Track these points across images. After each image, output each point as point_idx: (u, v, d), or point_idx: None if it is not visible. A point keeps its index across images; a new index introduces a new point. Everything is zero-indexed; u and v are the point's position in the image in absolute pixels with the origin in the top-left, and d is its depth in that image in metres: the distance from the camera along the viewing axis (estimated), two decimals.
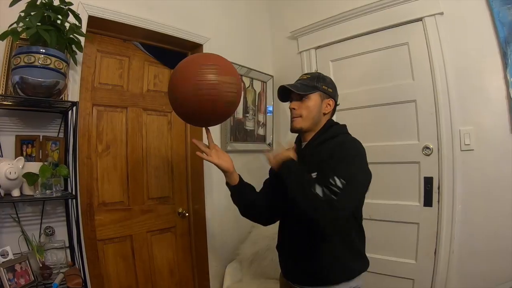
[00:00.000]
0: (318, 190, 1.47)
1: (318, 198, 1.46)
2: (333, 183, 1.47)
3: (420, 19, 2.68)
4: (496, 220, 2.36)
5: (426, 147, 2.66)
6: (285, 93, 1.83)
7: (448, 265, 2.53)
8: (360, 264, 1.76)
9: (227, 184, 1.96)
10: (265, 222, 2.07)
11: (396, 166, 2.83)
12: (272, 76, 3.62)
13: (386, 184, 2.87)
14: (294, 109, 1.79)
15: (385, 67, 2.90)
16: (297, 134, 1.90)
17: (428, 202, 2.65)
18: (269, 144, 3.59)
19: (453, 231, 2.52)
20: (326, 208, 1.45)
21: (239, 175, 1.96)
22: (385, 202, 2.87)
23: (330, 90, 1.79)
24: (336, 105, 1.84)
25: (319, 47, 3.35)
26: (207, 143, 1.91)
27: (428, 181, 2.65)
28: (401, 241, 2.78)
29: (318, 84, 1.77)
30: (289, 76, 3.50)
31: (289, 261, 1.83)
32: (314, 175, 1.65)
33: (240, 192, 1.94)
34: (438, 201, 2.59)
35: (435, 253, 2.60)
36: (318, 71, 1.95)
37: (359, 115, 3.05)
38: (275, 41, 3.76)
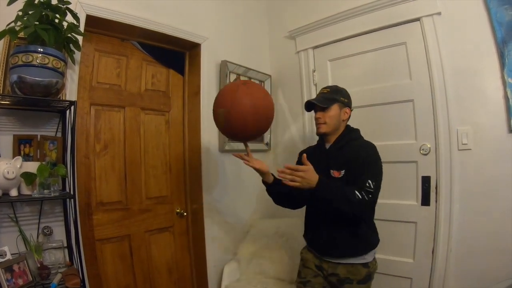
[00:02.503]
0: (358, 195, 1.87)
1: (362, 203, 1.87)
2: (368, 185, 1.90)
3: (418, 19, 2.68)
4: (494, 219, 2.37)
5: (424, 147, 2.66)
6: (310, 104, 2.20)
7: (446, 264, 2.54)
8: (376, 237, 2.19)
9: (264, 182, 2.33)
10: (295, 207, 2.42)
11: (393, 166, 2.82)
12: (270, 76, 3.62)
13: (384, 183, 2.82)
14: (319, 118, 2.15)
15: (383, 66, 2.90)
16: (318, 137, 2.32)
17: (425, 201, 2.65)
18: (266, 144, 3.59)
19: (450, 230, 2.52)
20: (369, 207, 1.98)
21: (272, 174, 2.30)
22: (383, 202, 2.83)
23: (346, 101, 2.18)
24: (350, 111, 2.22)
25: (317, 46, 3.35)
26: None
27: (426, 180, 2.66)
28: (399, 240, 2.78)
29: (337, 96, 2.15)
30: (287, 76, 3.53)
31: (321, 238, 2.16)
32: (342, 172, 2.07)
33: (275, 189, 2.29)
34: (436, 200, 2.60)
35: (432, 252, 2.60)
36: (335, 85, 2.31)
37: (357, 114, 2.99)
38: (273, 40, 3.76)
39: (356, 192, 1.88)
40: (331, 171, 2.11)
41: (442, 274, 2.54)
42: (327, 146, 2.22)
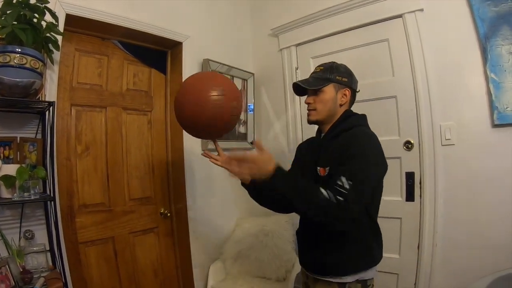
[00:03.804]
0: (324, 194, 1.43)
1: (328, 205, 1.42)
2: (340, 183, 1.45)
3: (400, 16, 2.71)
4: (478, 213, 2.41)
5: (407, 143, 2.68)
6: (300, 88, 1.83)
7: (431, 258, 2.57)
8: (369, 259, 1.78)
9: (242, 184, 1.86)
10: (285, 211, 2.01)
11: None
12: (252, 74, 3.61)
13: None
14: (309, 103, 1.81)
15: (366, 63, 2.91)
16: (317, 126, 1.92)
17: (410, 197, 2.68)
18: (251, 143, 3.58)
19: (435, 225, 2.55)
20: (335, 211, 1.42)
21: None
22: None
23: (345, 80, 1.79)
24: (354, 93, 1.86)
25: (299, 44, 3.36)
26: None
27: (410, 176, 2.68)
28: (384, 236, 2.76)
29: (331, 75, 1.77)
30: (269, 74, 3.53)
31: (303, 250, 1.88)
32: (327, 169, 1.68)
33: (255, 190, 1.86)
34: (420, 196, 2.63)
35: (418, 247, 2.63)
36: (332, 61, 1.87)
37: None
38: (255, 38, 3.75)
39: (321, 190, 1.45)
40: (318, 168, 1.74)
41: (428, 269, 2.58)
42: (322, 137, 1.86)
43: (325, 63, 1.87)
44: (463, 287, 2.20)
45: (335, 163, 1.63)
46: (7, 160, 1.94)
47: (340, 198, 1.41)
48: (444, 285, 2.53)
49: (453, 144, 2.50)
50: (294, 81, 3.28)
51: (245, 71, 3.52)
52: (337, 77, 1.78)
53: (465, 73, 2.47)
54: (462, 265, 2.45)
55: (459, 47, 2.48)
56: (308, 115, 1.83)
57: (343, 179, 1.46)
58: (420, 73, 2.61)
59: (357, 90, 1.89)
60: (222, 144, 3.12)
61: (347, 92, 1.80)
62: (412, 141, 2.66)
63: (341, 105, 1.80)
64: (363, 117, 1.86)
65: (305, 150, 1.97)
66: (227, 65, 3.29)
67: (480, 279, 1.90)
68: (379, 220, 2.81)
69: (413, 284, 2.65)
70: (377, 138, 1.70)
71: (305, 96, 1.87)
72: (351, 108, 1.89)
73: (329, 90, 1.77)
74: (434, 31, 2.58)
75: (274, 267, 2.85)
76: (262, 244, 2.99)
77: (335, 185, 1.45)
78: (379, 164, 1.65)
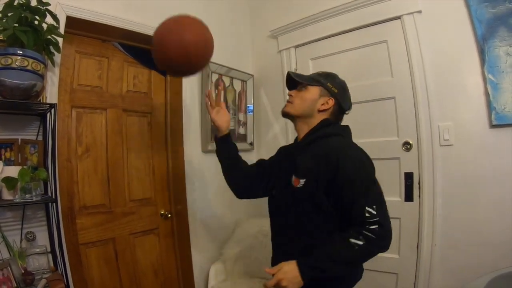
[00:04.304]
0: (357, 242, 1.39)
1: (367, 248, 1.40)
2: (368, 215, 1.41)
3: (398, 17, 2.72)
4: (477, 213, 2.42)
5: (406, 143, 2.70)
6: (291, 82, 1.81)
7: (430, 258, 2.58)
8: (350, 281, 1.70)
9: (215, 137, 2.02)
10: (241, 194, 2.08)
11: (376, 162, 2.80)
12: (252, 75, 3.62)
13: None
14: (290, 95, 1.79)
15: (365, 64, 2.94)
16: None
17: (409, 197, 2.70)
18: (250, 144, 3.59)
19: (434, 225, 2.57)
20: (377, 249, 1.44)
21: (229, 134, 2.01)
22: None
23: (335, 90, 1.74)
24: (341, 108, 1.78)
25: (298, 45, 3.37)
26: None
27: (409, 177, 2.70)
28: None
29: (324, 80, 1.75)
30: (269, 75, 3.53)
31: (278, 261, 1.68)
32: (302, 182, 1.62)
33: (225, 145, 2.00)
34: (419, 196, 2.64)
35: (417, 247, 2.64)
36: (334, 72, 1.84)
37: None
38: (255, 40, 3.76)
39: (352, 240, 1.40)
40: (293, 177, 1.68)
41: (428, 269, 2.59)
42: (298, 143, 1.81)
43: (327, 71, 1.85)
44: (462, 286, 2.21)
45: (311, 176, 1.60)
46: (8, 162, 1.94)
47: (376, 228, 1.39)
48: (443, 284, 2.54)
49: (452, 145, 2.52)
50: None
51: (244, 72, 3.53)
52: (328, 84, 1.74)
53: (463, 74, 2.49)
54: (461, 264, 2.46)
55: (457, 48, 2.50)
56: (284, 106, 1.80)
57: (367, 208, 1.42)
58: (419, 74, 2.62)
59: (347, 110, 1.83)
60: None
61: (331, 101, 1.73)
62: (410, 142, 2.68)
63: (319, 111, 1.73)
64: (344, 127, 1.81)
65: (284, 155, 1.92)
66: (226, 67, 3.30)
67: (479, 277, 1.91)
68: None
69: (413, 284, 2.66)
70: (362, 151, 1.66)
71: None
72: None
73: (313, 91, 1.73)
74: (432, 32, 2.59)
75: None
76: (262, 244, 2.99)
77: (365, 219, 1.41)
78: (377, 182, 1.59)
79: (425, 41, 2.61)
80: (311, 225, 1.62)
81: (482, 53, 2.37)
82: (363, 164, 1.57)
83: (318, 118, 1.73)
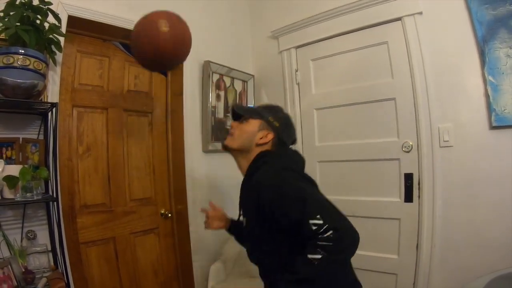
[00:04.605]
0: (315, 257, 1.24)
1: (327, 262, 1.25)
2: (314, 226, 1.25)
3: (399, 19, 2.72)
4: (476, 214, 2.42)
5: (406, 144, 2.70)
6: (237, 115, 1.74)
7: (430, 259, 2.58)
8: None
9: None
10: None
11: (377, 163, 2.87)
12: (252, 76, 3.62)
13: (368, 181, 2.92)
14: (231, 127, 1.72)
15: (365, 66, 2.94)
16: None
17: (408, 198, 2.70)
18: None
19: (434, 226, 2.57)
20: (340, 253, 1.28)
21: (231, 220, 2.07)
22: (367, 199, 2.92)
23: (276, 124, 1.65)
24: (282, 143, 1.67)
25: (299, 46, 3.37)
26: None
27: (409, 177, 2.70)
28: (383, 237, 2.82)
29: (265, 113, 1.68)
30: (270, 76, 3.54)
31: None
32: (244, 220, 1.62)
33: (234, 233, 2.03)
34: (419, 197, 2.64)
35: (417, 247, 2.64)
36: (280, 106, 1.75)
37: (340, 113, 3.09)
38: (256, 40, 3.76)
39: (310, 256, 1.25)
40: (241, 215, 1.69)
41: (427, 269, 2.59)
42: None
43: (273, 105, 1.79)
44: (462, 287, 2.21)
45: (249, 214, 1.58)
46: (9, 160, 1.95)
47: (330, 235, 1.24)
48: (442, 285, 2.55)
49: (451, 146, 2.52)
50: (294, 83, 3.32)
51: (245, 73, 3.54)
52: (269, 118, 1.66)
53: (463, 76, 2.49)
54: (460, 265, 2.46)
55: (457, 49, 2.50)
56: (224, 138, 1.73)
57: (312, 221, 1.26)
58: (419, 75, 2.62)
59: (289, 144, 1.73)
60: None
61: (270, 135, 1.63)
62: (411, 143, 2.68)
63: (257, 145, 1.63)
64: (281, 155, 1.64)
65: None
66: (228, 67, 3.31)
67: (478, 278, 1.91)
68: (377, 221, 2.85)
69: (412, 284, 2.66)
70: (284, 167, 1.51)
71: None
72: None
73: (253, 123, 1.65)
74: (433, 33, 2.59)
75: None
76: None
77: (315, 232, 1.25)
78: (307, 189, 1.41)
79: (426, 42, 2.61)
80: (273, 249, 1.51)
81: (482, 54, 2.37)
82: (283, 181, 1.42)
83: (254, 153, 1.64)
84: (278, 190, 1.40)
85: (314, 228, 1.25)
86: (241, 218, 1.72)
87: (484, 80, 2.37)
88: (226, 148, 1.72)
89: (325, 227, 1.24)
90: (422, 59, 2.61)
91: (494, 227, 2.34)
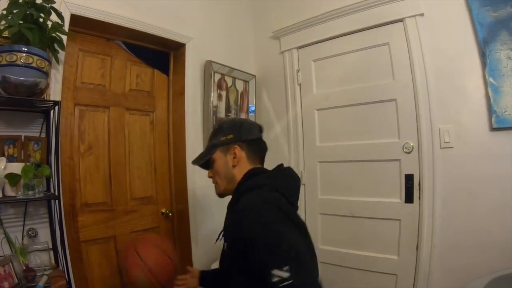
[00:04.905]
0: None
1: None
2: (277, 278, 1.08)
3: (401, 20, 2.73)
4: (476, 215, 2.43)
5: (407, 145, 2.70)
6: (206, 164, 1.70)
7: (430, 259, 2.58)
8: None
9: None
10: None
11: (377, 164, 2.88)
12: (254, 76, 3.63)
13: (368, 181, 2.92)
14: (210, 177, 1.70)
15: (366, 66, 2.95)
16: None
17: (409, 198, 2.70)
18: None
19: (434, 227, 2.57)
20: None
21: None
22: (367, 200, 2.92)
23: (231, 136, 1.59)
24: (251, 143, 1.62)
25: (301, 46, 3.37)
26: None
27: (409, 178, 2.70)
28: (383, 237, 2.83)
29: (216, 139, 1.63)
30: (271, 76, 3.55)
31: None
32: (225, 245, 1.50)
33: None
34: (419, 198, 2.65)
35: (417, 248, 2.65)
36: (224, 120, 1.73)
37: (341, 114, 3.09)
38: (257, 40, 3.77)
39: None
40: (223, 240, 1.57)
41: (427, 270, 2.59)
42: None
43: (214, 126, 1.70)
44: (461, 286, 2.22)
45: (228, 240, 1.47)
46: (11, 158, 1.95)
47: None
48: (442, 286, 2.55)
49: (452, 147, 2.52)
50: (296, 83, 3.32)
51: (247, 73, 3.54)
52: (221, 139, 1.60)
53: (464, 77, 2.49)
54: (460, 266, 2.47)
55: (458, 51, 2.50)
56: (215, 189, 1.69)
57: (276, 271, 1.09)
58: (420, 77, 2.63)
59: (255, 137, 1.64)
60: None
61: (236, 149, 1.57)
62: (411, 144, 2.68)
63: (234, 166, 1.58)
64: (267, 175, 1.57)
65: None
66: (229, 67, 3.31)
67: (477, 278, 1.92)
68: (378, 222, 2.85)
69: (412, 285, 2.66)
70: (271, 198, 1.36)
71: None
72: (262, 158, 1.71)
73: (218, 157, 1.61)
74: (434, 35, 2.60)
75: None
76: None
77: (275, 285, 1.08)
78: (293, 238, 1.22)
79: (427, 43, 2.62)
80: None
81: (483, 56, 2.37)
82: (265, 218, 1.24)
83: (239, 174, 1.58)
84: (259, 221, 1.23)
85: (275, 280, 1.08)
86: (221, 238, 1.65)
87: (485, 82, 2.37)
88: (222, 196, 1.70)
89: (288, 283, 1.07)
90: (423, 60, 2.62)
91: (494, 228, 2.34)
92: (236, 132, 1.61)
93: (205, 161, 1.66)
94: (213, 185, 1.62)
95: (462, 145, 2.49)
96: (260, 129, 1.71)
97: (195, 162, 1.72)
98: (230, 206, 1.61)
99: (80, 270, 2.38)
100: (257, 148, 1.66)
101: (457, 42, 2.51)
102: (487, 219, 2.38)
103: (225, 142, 1.59)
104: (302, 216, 3.06)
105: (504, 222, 2.31)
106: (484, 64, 2.37)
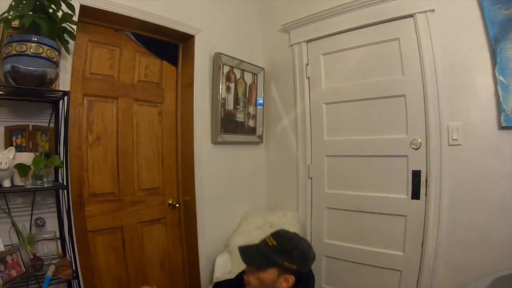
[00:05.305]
0: None
1: None
2: None
3: (411, 15, 2.69)
4: (482, 213, 2.42)
5: (415, 141, 2.69)
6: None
7: (435, 256, 2.58)
8: None
9: None
10: None
11: (384, 160, 2.87)
12: (263, 69, 3.61)
13: (375, 177, 2.92)
14: (246, 274, 1.68)
15: (376, 61, 2.92)
16: None
17: (415, 195, 2.69)
18: (258, 136, 3.59)
19: (440, 223, 2.56)
20: None
21: None
22: (374, 195, 2.91)
23: (294, 267, 1.60)
24: (305, 276, 1.69)
25: (310, 40, 3.34)
26: None
27: (416, 175, 2.69)
28: (389, 233, 2.82)
29: (280, 258, 1.60)
30: (280, 69, 3.54)
31: None
32: None
33: None
34: (426, 194, 2.64)
35: (422, 245, 2.64)
36: (292, 236, 1.70)
37: (349, 108, 3.08)
38: (266, 33, 3.74)
39: None
40: None
41: (431, 267, 2.59)
42: None
43: (283, 237, 1.70)
44: (465, 283, 2.21)
45: None
46: (19, 148, 1.96)
47: None
48: (446, 283, 2.55)
49: (460, 145, 2.50)
50: (304, 77, 3.30)
51: (255, 65, 3.52)
52: (285, 263, 1.59)
53: (474, 75, 2.46)
54: (465, 263, 2.46)
55: (469, 48, 2.47)
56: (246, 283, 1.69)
57: None
58: (430, 73, 2.60)
59: (307, 269, 1.71)
60: (231, 137, 3.17)
61: (291, 279, 1.61)
62: (419, 140, 2.66)
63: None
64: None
65: None
66: (238, 59, 3.30)
67: (480, 278, 1.91)
68: (383, 217, 2.84)
69: (416, 282, 2.67)
70: None
71: None
72: None
73: (270, 272, 1.60)
74: (445, 31, 2.56)
75: None
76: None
77: None
78: None
79: (437, 40, 2.58)
80: None
81: (493, 54, 2.34)
82: None
83: None
84: None
85: None
86: None
87: (495, 80, 2.35)
88: None
89: None
90: (433, 57, 2.59)
91: (500, 227, 2.33)
92: (302, 266, 1.63)
93: (256, 268, 1.64)
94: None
95: (470, 142, 2.47)
96: (314, 259, 1.72)
97: (247, 261, 1.68)
98: None
99: (87, 260, 2.40)
100: (304, 282, 1.69)
101: (468, 39, 2.47)
102: (494, 217, 2.37)
103: (287, 269, 1.60)
104: (308, 211, 3.09)
105: (510, 220, 2.30)
106: (494, 62, 2.34)
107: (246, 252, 1.68)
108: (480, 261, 2.39)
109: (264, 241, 1.68)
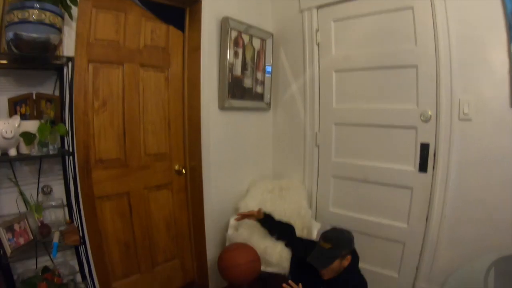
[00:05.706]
0: None
1: None
2: None
3: None
4: (489, 189, 2.41)
5: (425, 113, 2.65)
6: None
7: (438, 230, 2.60)
8: None
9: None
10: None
11: (393, 130, 2.84)
12: (272, 34, 3.53)
13: (383, 147, 2.90)
14: (322, 274, 2.20)
15: (388, 30, 2.84)
16: None
17: (423, 167, 2.68)
18: (267, 103, 3.56)
19: (445, 198, 2.57)
20: None
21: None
22: (381, 165, 2.91)
23: (348, 250, 2.20)
24: (353, 255, 2.27)
25: (321, 6, 3.23)
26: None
27: (425, 147, 2.67)
28: (394, 204, 2.83)
29: (337, 252, 2.16)
30: (289, 34, 3.46)
31: None
32: None
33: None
34: (433, 168, 2.63)
35: (426, 218, 2.66)
36: (337, 232, 2.33)
37: (359, 77, 3.03)
38: None
39: None
40: None
41: (435, 240, 2.62)
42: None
43: (331, 237, 2.25)
44: (467, 260, 2.23)
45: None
46: (24, 116, 1.95)
47: None
48: (448, 257, 2.58)
49: (470, 120, 2.47)
50: (314, 43, 3.22)
51: (264, 30, 3.44)
52: (342, 252, 2.17)
53: (489, 50, 2.39)
54: (469, 239, 2.48)
55: (485, 22, 2.38)
56: (321, 275, 2.21)
57: None
58: (443, 44, 2.52)
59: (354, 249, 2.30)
60: (239, 103, 3.14)
61: (349, 258, 2.21)
62: (429, 112, 2.62)
63: (344, 267, 2.20)
64: (353, 265, 2.27)
65: (306, 271, 2.32)
66: (246, 24, 3.22)
67: (483, 255, 1.92)
68: (389, 188, 2.84)
69: (418, 254, 2.71)
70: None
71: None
72: None
73: (336, 263, 2.16)
74: (461, 3, 2.46)
75: (292, 222, 2.87)
76: (279, 197, 3.11)
77: None
78: None
79: (453, 11, 2.48)
80: None
81: (510, 29, 2.26)
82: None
83: (343, 268, 2.21)
84: None
85: None
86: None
87: (510, 56, 2.28)
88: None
89: None
90: (448, 28, 2.50)
91: (506, 205, 2.33)
92: (350, 245, 2.26)
93: (324, 268, 2.18)
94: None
95: (480, 118, 2.43)
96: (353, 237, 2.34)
97: (318, 265, 2.18)
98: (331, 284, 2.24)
99: (94, 226, 2.43)
100: (355, 253, 2.32)
101: (484, 12, 2.38)
102: (500, 195, 2.35)
103: (344, 254, 2.19)
104: (314, 179, 3.09)
105: None
106: (510, 37, 2.27)
107: (316, 262, 2.19)
108: (484, 238, 2.40)
109: (320, 247, 2.22)
